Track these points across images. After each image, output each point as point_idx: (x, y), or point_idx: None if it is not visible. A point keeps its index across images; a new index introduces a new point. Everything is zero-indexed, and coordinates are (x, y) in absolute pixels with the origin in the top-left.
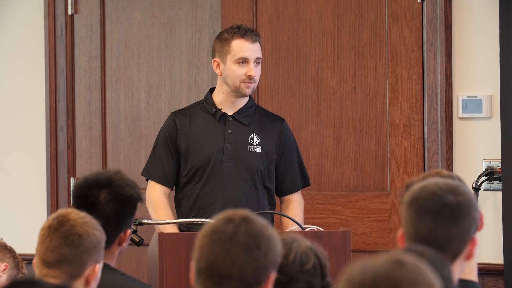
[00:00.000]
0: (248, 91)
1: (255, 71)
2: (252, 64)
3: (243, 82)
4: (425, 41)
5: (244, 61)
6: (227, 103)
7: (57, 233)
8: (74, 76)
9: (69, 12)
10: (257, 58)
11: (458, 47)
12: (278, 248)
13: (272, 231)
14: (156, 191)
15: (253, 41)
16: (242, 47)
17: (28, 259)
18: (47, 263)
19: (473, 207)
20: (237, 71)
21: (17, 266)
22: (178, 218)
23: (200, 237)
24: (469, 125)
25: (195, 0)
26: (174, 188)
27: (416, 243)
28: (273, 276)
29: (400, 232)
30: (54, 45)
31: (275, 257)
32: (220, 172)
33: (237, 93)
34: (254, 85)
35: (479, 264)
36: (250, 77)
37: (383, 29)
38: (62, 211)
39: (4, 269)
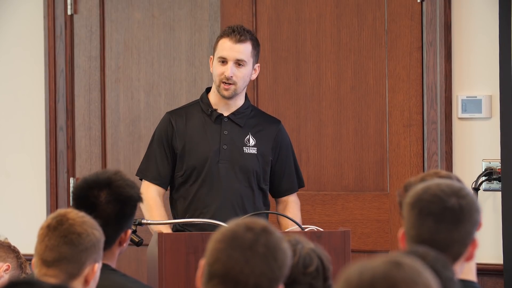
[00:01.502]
0: (227, 93)
1: (231, 72)
2: (230, 64)
3: (222, 82)
4: (425, 41)
5: (224, 60)
6: (221, 104)
7: (56, 232)
8: (74, 76)
9: (69, 12)
10: (238, 60)
11: (458, 47)
12: (290, 262)
13: (286, 244)
14: (150, 192)
15: (237, 41)
16: (224, 46)
17: (28, 259)
18: (46, 262)
19: (475, 210)
20: (218, 69)
21: (20, 266)
22: (173, 218)
23: (215, 240)
24: (469, 125)
25: (195, 0)
26: (169, 188)
27: (417, 245)
28: None
29: (401, 232)
30: (53, 45)
31: (287, 270)
32: (217, 173)
33: (219, 93)
34: (233, 87)
35: (478, 264)
36: (226, 77)
37: (382, 29)
38: (61, 210)
39: (7, 269)
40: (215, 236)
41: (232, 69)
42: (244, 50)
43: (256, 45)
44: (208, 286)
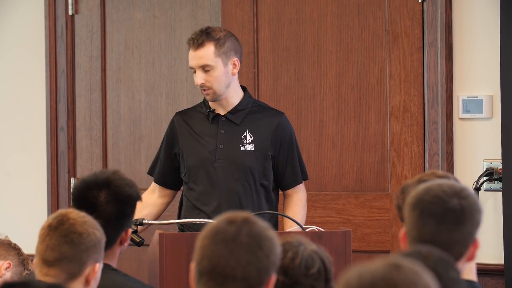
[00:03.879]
0: (209, 98)
1: (201, 79)
2: (198, 72)
3: (201, 89)
4: (426, 42)
5: (194, 70)
6: (217, 104)
7: (57, 232)
8: (75, 76)
9: (70, 12)
10: (202, 66)
11: (459, 47)
12: (279, 250)
13: (272, 232)
14: (149, 189)
15: (197, 47)
16: (189, 56)
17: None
18: (47, 262)
19: (477, 210)
20: (194, 79)
21: (22, 262)
22: (179, 218)
23: (201, 238)
24: (470, 125)
25: (196, 0)
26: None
27: (419, 245)
28: (273, 278)
29: (402, 232)
30: (54, 45)
31: (276, 258)
32: (214, 172)
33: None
34: (211, 91)
35: (479, 264)
36: (199, 85)
37: (383, 29)
38: (62, 210)
39: (8, 267)
40: (200, 234)
41: (200, 77)
42: (205, 54)
43: (222, 43)
44: (199, 285)
